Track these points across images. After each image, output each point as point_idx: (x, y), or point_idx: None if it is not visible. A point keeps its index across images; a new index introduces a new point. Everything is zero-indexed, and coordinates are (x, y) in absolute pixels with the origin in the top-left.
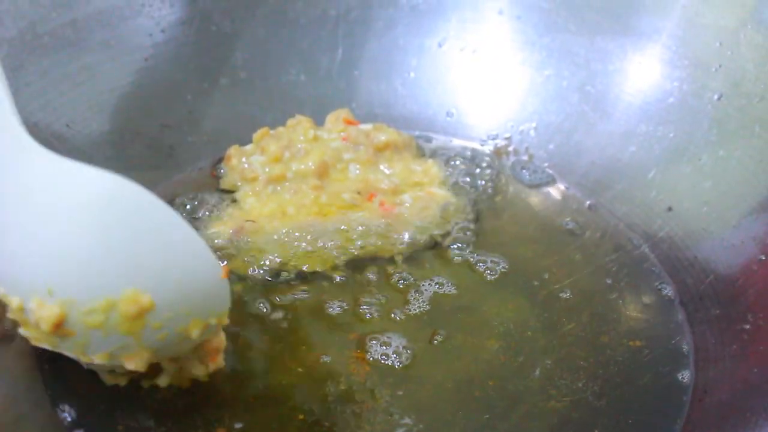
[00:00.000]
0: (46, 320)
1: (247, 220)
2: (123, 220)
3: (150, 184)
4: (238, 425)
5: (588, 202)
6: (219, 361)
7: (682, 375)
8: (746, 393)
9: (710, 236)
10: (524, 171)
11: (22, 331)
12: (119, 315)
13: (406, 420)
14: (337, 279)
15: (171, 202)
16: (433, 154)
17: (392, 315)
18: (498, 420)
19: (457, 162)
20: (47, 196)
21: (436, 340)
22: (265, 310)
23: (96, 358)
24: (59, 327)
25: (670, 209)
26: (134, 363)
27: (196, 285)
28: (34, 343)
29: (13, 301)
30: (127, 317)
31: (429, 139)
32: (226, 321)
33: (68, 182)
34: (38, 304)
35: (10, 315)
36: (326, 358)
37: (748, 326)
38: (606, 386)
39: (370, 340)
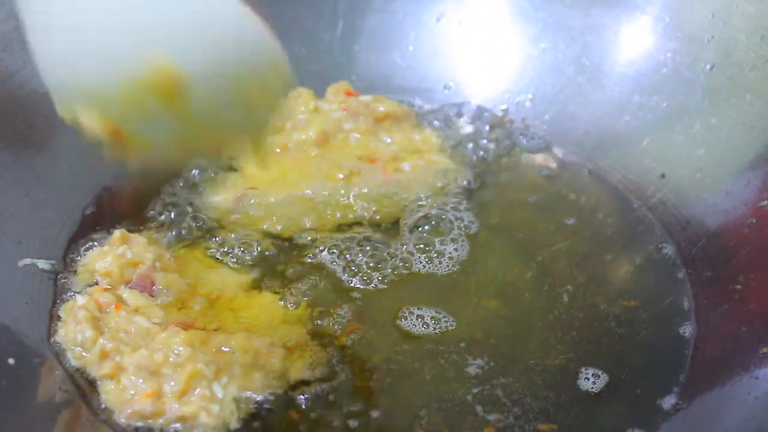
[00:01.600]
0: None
1: (249, 188)
2: None
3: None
4: None
5: (584, 170)
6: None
7: (684, 329)
8: (736, 350)
9: (703, 202)
10: (521, 139)
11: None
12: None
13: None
14: (339, 243)
15: (172, 174)
16: (432, 124)
17: (390, 279)
18: (498, 376)
19: (456, 131)
20: None
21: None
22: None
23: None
24: (114, 132)
25: (663, 176)
26: None
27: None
28: None
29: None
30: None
31: (428, 111)
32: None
33: None
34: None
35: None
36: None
37: (739, 286)
38: (605, 344)
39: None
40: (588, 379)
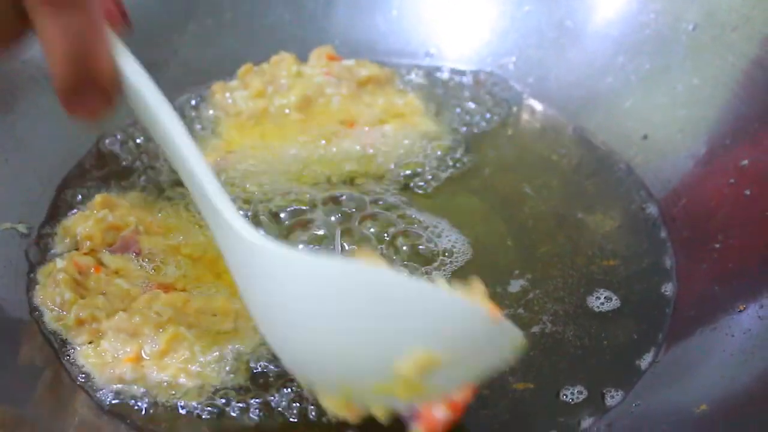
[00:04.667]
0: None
1: (230, 151)
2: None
3: (134, 122)
4: None
5: (566, 132)
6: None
7: (665, 288)
8: (714, 308)
9: (684, 162)
10: (504, 102)
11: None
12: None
13: None
14: (320, 206)
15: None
16: (415, 87)
17: (374, 242)
18: None
19: (439, 94)
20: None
21: None
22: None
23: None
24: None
25: (645, 137)
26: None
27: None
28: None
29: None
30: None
31: (411, 74)
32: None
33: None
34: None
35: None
36: None
37: (718, 246)
38: (585, 303)
39: None
40: (569, 341)
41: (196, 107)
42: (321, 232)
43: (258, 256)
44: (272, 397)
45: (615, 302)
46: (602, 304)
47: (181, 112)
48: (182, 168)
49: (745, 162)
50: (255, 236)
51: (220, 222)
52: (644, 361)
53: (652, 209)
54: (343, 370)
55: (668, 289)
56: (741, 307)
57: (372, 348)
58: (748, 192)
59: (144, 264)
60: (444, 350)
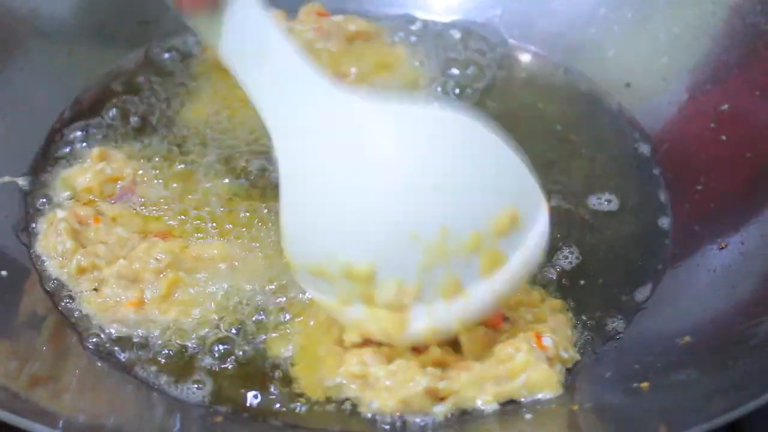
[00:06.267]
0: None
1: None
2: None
3: (128, 75)
4: None
5: (552, 81)
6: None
7: (662, 221)
8: (696, 246)
9: (667, 108)
10: (490, 55)
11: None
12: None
13: None
14: None
15: (146, 89)
16: (403, 41)
17: None
18: None
19: (427, 47)
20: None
21: None
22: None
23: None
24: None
25: (628, 85)
26: None
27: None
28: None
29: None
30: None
31: (399, 29)
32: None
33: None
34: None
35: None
36: None
37: (700, 187)
38: (582, 243)
39: None
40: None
41: (186, 61)
42: None
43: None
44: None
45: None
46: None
47: (171, 68)
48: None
49: (725, 107)
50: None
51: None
52: (640, 294)
53: (645, 148)
54: (438, 221)
55: (665, 222)
56: (722, 245)
57: (473, 196)
58: (725, 137)
59: (142, 211)
60: (522, 210)
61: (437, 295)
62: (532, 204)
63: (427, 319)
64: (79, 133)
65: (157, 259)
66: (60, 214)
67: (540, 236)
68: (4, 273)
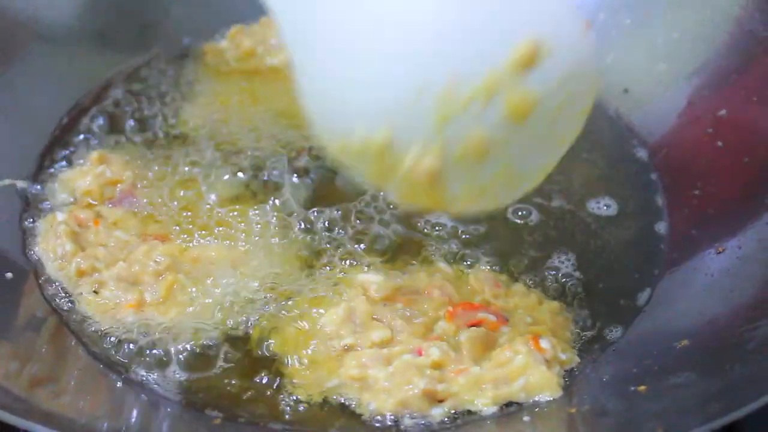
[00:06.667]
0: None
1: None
2: None
3: (129, 79)
4: None
5: None
6: None
7: (659, 226)
8: (694, 251)
9: (665, 114)
10: None
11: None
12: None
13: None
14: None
15: (146, 93)
16: None
17: None
18: None
19: None
20: None
21: None
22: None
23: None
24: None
25: (626, 91)
26: None
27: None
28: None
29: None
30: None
31: None
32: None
33: None
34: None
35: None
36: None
37: (697, 192)
38: (581, 247)
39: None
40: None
41: (185, 66)
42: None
43: None
44: (272, 342)
45: (607, 241)
46: (596, 243)
47: (171, 71)
48: None
49: (723, 112)
50: None
51: None
52: (640, 299)
53: (643, 153)
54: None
55: (662, 228)
56: (720, 249)
57: (481, 33)
58: (722, 143)
59: (141, 214)
60: (548, 37)
61: (465, 153)
62: (560, 27)
63: (464, 180)
64: (79, 137)
65: (156, 261)
66: (60, 216)
67: (577, 62)
68: (9, 275)
